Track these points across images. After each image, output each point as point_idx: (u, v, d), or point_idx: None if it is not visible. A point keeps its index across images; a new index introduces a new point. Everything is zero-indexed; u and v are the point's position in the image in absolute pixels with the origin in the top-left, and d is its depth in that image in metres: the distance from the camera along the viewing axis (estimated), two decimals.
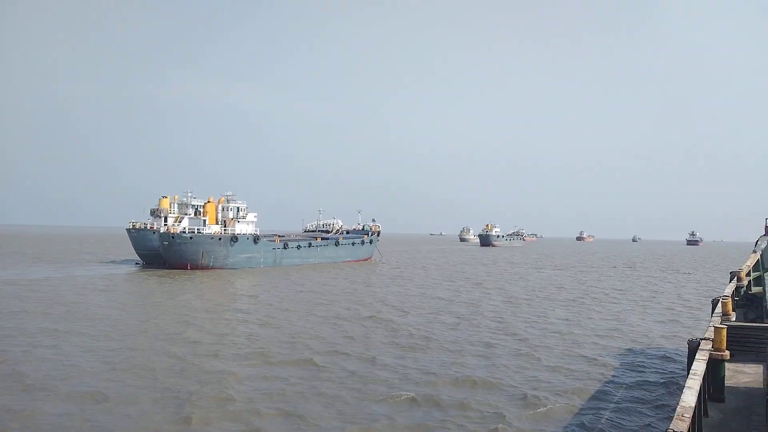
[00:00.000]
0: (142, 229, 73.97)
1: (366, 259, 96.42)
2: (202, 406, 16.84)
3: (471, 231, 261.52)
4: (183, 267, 67.48)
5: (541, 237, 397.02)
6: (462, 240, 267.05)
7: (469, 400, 17.89)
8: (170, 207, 74.87)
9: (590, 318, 35.90)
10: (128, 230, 74.96)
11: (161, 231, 69.91)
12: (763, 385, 11.06)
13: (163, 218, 73.47)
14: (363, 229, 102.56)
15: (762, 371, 12.03)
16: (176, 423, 15.58)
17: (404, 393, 18.47)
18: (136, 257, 76.28)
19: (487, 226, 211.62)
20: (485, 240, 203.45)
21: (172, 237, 67.99)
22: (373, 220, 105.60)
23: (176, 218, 73.39)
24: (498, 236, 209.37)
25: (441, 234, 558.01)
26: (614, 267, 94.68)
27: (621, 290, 54.61)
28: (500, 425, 15.74)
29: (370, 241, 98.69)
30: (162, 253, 69.36)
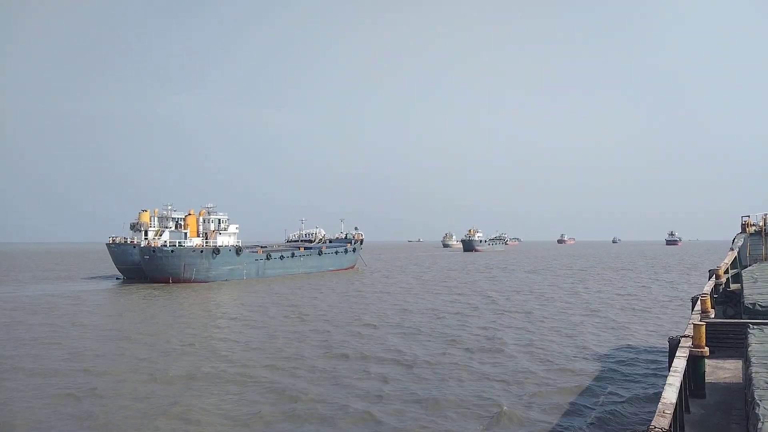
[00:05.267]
0: (122, 244, 73.20)
1: (350, 268, 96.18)
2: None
3: (454, 236, 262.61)
4: (165, 281, 66.82)
5: (522, 241, 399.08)
6: (445, 246, 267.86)
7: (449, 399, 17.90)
8: (150, 220, 74.19)
9: (582, 323, 36.12)
10: (108, 245, 74.12)
11: (141, 245, 69.27)
12: (743, 380, 11.22)
13: (143, 232, 72.79)
14: (346, 237, 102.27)
15: (741, 366, 12.20)
16: None
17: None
18: (117, 272, 75.46)
19: (470, 231, 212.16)
20: (468, 245, 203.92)
21: (153, 251, 67.34)
22: (356, 228, 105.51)
23: (156, 232, 72.71)
24: (481, 241, 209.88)
25: (419, 240, 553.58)
26: (609, 269, 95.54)
27: (606, 290, 55.10)
28: (495, 413, 15.79)
29: (354, 250, 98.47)
30: (143, 267, 68.65)
